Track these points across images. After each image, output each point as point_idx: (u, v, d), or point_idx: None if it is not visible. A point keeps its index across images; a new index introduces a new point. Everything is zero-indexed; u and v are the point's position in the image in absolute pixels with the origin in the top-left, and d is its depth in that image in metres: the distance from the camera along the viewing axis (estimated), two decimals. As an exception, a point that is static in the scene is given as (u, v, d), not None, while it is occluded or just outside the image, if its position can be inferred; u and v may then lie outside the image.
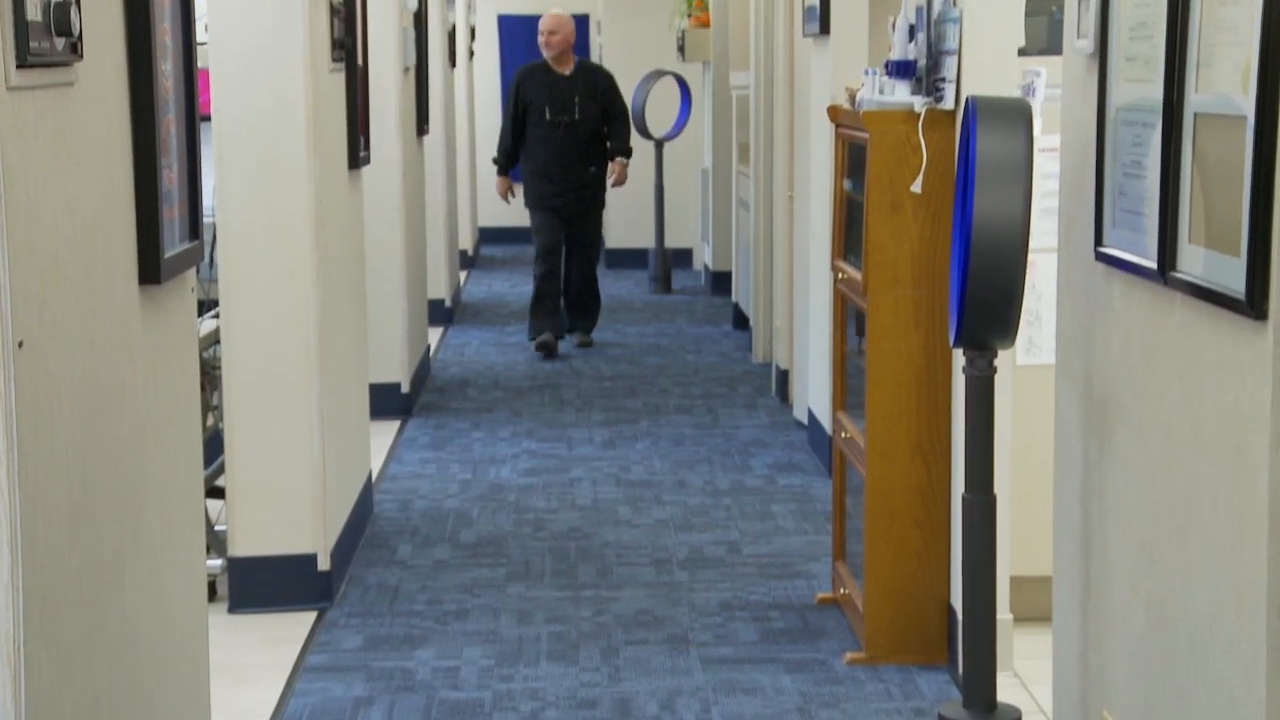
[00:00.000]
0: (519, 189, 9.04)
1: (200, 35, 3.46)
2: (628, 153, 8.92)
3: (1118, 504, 2.77)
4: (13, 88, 2.10)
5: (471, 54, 13.44)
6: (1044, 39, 4.38)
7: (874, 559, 4.21)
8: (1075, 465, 3.02)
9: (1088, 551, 2.95)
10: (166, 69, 2.78)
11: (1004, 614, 3.95)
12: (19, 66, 2.10)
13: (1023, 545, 4.19)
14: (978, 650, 3.55)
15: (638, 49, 12.31)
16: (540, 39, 8.80)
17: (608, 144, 8.83)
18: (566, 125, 8.69)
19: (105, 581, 2.50)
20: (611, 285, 11.29)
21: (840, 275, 4.56)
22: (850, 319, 4.58)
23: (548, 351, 8.72)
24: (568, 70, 8.78)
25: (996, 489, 3.57)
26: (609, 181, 8.93)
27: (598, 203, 8.98)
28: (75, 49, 2.30)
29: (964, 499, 3.57)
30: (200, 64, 3.14)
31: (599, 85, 8.82)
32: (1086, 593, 2.96)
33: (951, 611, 4.15)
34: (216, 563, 4.72)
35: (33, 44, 2.13)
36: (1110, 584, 2.82)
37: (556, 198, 8.74)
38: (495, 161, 9.00)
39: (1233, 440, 2.24)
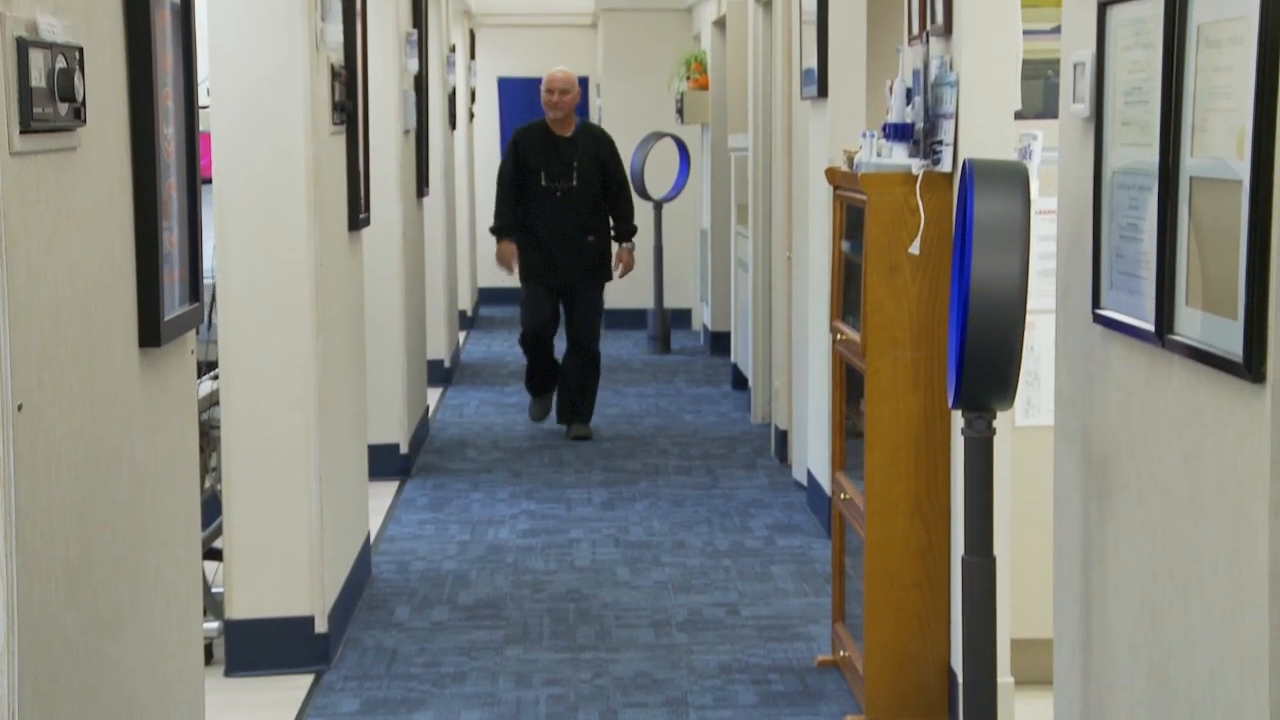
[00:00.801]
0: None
1: (202, 98, 3.49)
2: (633, 233, 8.22)
3: (1118, 566, 2.76)
4: (16, 153, 2.11)
5: (471, 116, 13.53)
6: (1040, 102, 4.41)
7: (874, 621, 4.19)
8: (1075, 527, 3.01)
9: (1088, 614, 2.94)
10: (168, 132, 2.80)
11: (1005, 677, 3.93)
12: (22, 132, 2.12)
13: (1023, 607, 4.18)
14: (979, 713, 3.53)
15: (637, 111, 12.38)
16: (547, 96, 8.03)
17: (609, 217, 8.14)
18: (564, 192, 7.97)
19: (102, 644, 2.49)
20: (611, 345, 11.30)
21: (839, 336, 4.56)
22: (849, 380, 4.58)
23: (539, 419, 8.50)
24: (568, 132, 8.07)
25: (996, 551, 3.56)
26: (615, 272, 8.22)
27: (598, 276, 8.11)
28: (79, 114, 2.31)
29: (964, 561, 3.56)
30: (202, 127, 3.16)
31: (601, 151, 8.09)
32: (1087, 656, 2.95)
33: (952, 674, 4.13)
34: (213, 625, 4.70)
35: (36, 109, 2.14)
36: (1111, 647, 2.81)
37: (551, 272, 8.00)
38: (494, 230, 8.15)
39: (1232, 503, 2.24)
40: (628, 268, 8.34)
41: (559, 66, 8.21)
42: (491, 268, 12.96)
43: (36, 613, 2.19)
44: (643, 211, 11.68)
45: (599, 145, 8.12)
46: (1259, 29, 2.08)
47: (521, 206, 8.04)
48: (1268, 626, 2.13)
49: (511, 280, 8.82)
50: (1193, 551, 2.39)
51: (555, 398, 8.32)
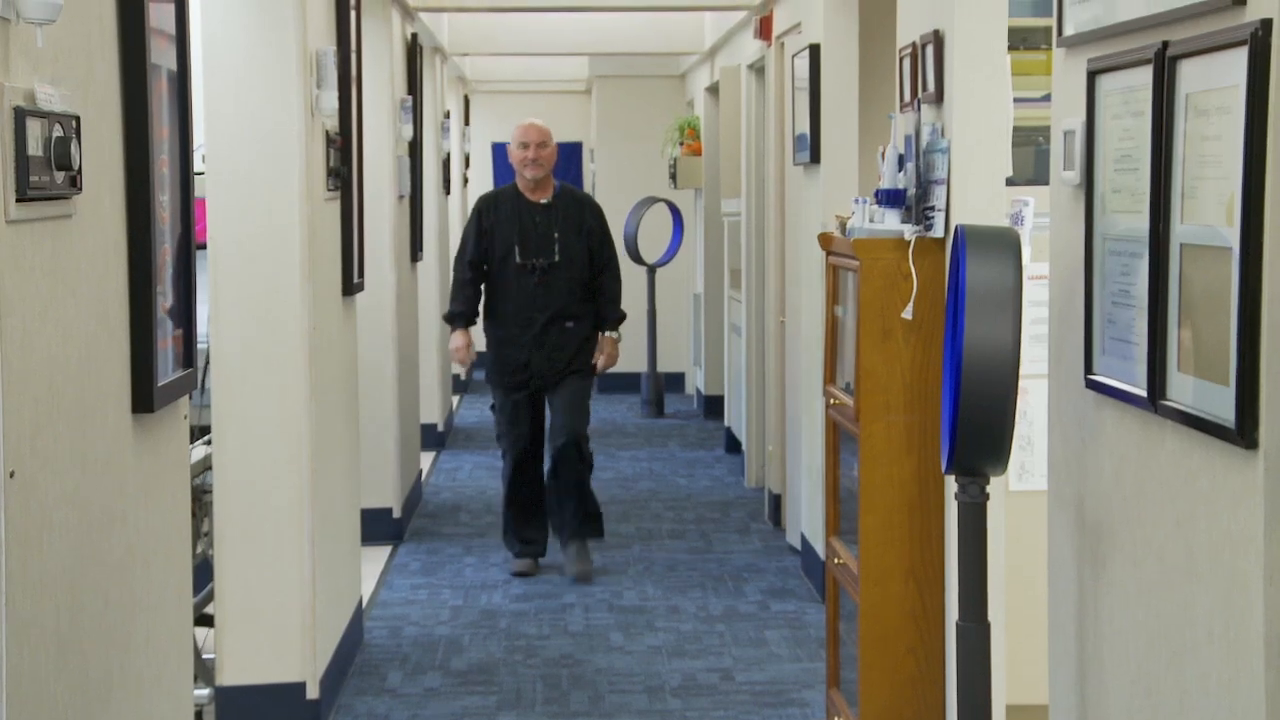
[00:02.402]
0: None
1: (198, 165, 3.51)
2: (621, 320, 6.66)
3: (1113, 632, 2.75)
4: (12, 221, 2.12)
5: (466, 181, 13.59)
6: (1031, 169, 4.44)
7: (868, 687, 4.17)
8: (1069, 593, 3.00)
9: (1083, 680, 2.93)
10: (164, 199, 2.81)
11: (1000, 743, 3.90)
12: (19, 200, 2.13)
13: (1018, 673, 4.16)
14: (975, 781, 3.50)
15: (630, 176, 12.45)
16: (522, 154, 6.50)
17: (596, 299, 6.60)
18: (543, 270, 6.46)
19: (92, 711, 2.47)
20: (604, 409, 11.31)
21: (832, 401, 4.57)
22: (842, 444, 4.58)
23: (525, 575, 6.62)
24: (545, 198, 6.55)
25: (991, 616, 3.55)
26: (597, 362, 6.59)
27: (583, 371, 6.56)
28: (74, 182, 2.33)
29: (958, 626, 3.55)
30: (197, 193, 3.18)
31: (586, 220, 6.58)
32: (1083, 723, 2.93)
33: (947, 741, 4.10)
34: (204, 692, 4.66)
35: (33, 178, 2.15)
36: (1107, 714, 2.79)
37: (526, 370, 6.49)
38: (447, 318, 6.72)
39: (1226, 569, 2.24)
40: (610, 361, 6.62)
41: (530, 118, 6.70)
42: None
43: (26, 680, 2.18)
44: (636, 275, 11.76)
45: (584, 212, 6.62)
46: (1246, 98, 2.10)
47: (489, 291, 6.58)
48: (1264, 693, 2.12)
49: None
50: (1187, 618, 2.39)
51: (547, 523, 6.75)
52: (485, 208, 6.61)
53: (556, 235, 6.51)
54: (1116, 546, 2.73)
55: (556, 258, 6.50)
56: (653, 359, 11.52)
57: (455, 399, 11.96)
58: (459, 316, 6.65)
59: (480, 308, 6.64)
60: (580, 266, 6.55)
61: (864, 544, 4.16)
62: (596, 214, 6.68)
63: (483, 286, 6.60)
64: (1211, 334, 2.25)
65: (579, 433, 6.55)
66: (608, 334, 6.61)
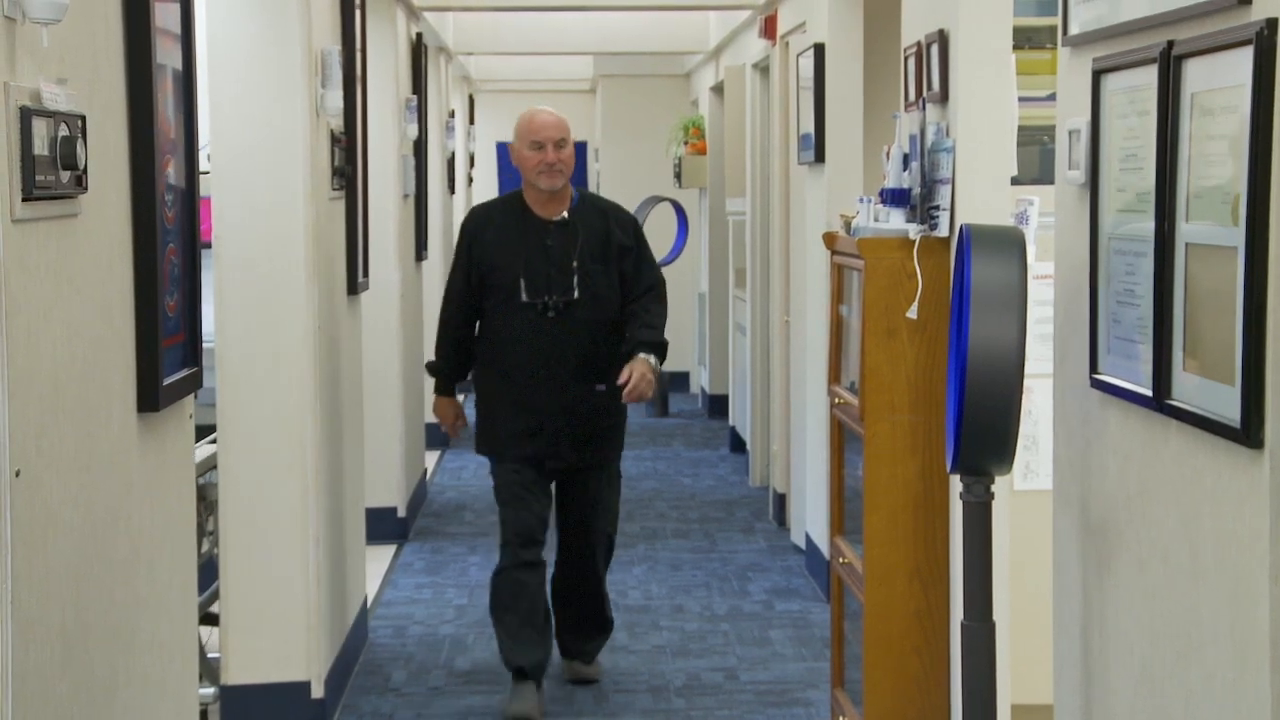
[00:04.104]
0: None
1: (203, 164, 3.51)
2: (659, 347, 4.88)
3: (1118, 632, 2.75)
4: (18, 220, 2.12)
5: (470, 180, 13.59)
6: (1036, 168, 4.44)
7: (873, 686, 4.17)
8: (1074, 593, 3.00)
9: (1089, 680, 2.93)
10: (169, 199, 2.82)
11: (1005, 743, 3.90)
12: (25, 199, 2.13)
13: (1023, 672, 4.15)
14: (979, 781, 3.50)
15: (635, 175, 12.45)
16: (537, 156, 4.79)
17: (628, 325, 4.87)
18: (559, 310, 4.77)
19: (96, 710, 2.48)
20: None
21: (836, 400, 4.57)
22: (847, 444, 4.58)
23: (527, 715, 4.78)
24: (560, 213, 4.84)
25: (996, 616, 3.55)
26: (624, 390, 4.79)
27: (613, 446, 4.96)
28: (80, 182, 2.33)
29: (963, 626, 3.55)
30: (202, 192, 3.18)
31: (615, 239, 4.87)
32: (1088, 722, 2.93)
33: (952, 740, 4.10)
34: (209, 691, 4.67)
35: (39, 177, 2.16)
36: (1112, 713, 2.79)
37: (537, 437, 4.82)
38: (431, 370, 5.07)
39: (1231, 569, 2.24)
40: (638, 391, 4.76)
41: (541, 107, 4.99)
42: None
43: (31, 678, 2.18)
44: (641, 275, 11.77)
45: (611, 226, 4.89)
46: (1252, 98, 2.10)
47: (485, 338, 4.89)
48: (1269, 693, 2.12)
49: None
50: (1192, 618, 2.39)
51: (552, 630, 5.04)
52: (475, 229, 4.87)
53: (576, 264, 4.77)
54: (1121, 546, 2.72)
55: (576, 293, 4.76)
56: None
57: (461, 397, 11.96)
58: (443, 373, 5.00)
59: (471, 357, 4.95)
60: (609, 303, 4.82)
61: (869, 543, 4.16)
62: (629, 228, 4.92)
63: (476, 329, 4.90)
64: (1216, 333, 2.25)
65: (606, 534, 4.99)
66: (640, 354, 4.78)
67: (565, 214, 4.86)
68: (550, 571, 5.03)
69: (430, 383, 5.23)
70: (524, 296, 4.77)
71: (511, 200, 4.95)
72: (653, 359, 4.81)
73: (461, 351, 4.97)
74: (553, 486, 4.96)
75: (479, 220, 4.95)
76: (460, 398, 5.26)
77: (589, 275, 4.80)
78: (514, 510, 4.82)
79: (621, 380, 4.74)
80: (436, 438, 9.66)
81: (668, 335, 5.06)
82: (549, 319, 4.77)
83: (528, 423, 4.82)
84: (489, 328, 4.87)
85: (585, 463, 4.89)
